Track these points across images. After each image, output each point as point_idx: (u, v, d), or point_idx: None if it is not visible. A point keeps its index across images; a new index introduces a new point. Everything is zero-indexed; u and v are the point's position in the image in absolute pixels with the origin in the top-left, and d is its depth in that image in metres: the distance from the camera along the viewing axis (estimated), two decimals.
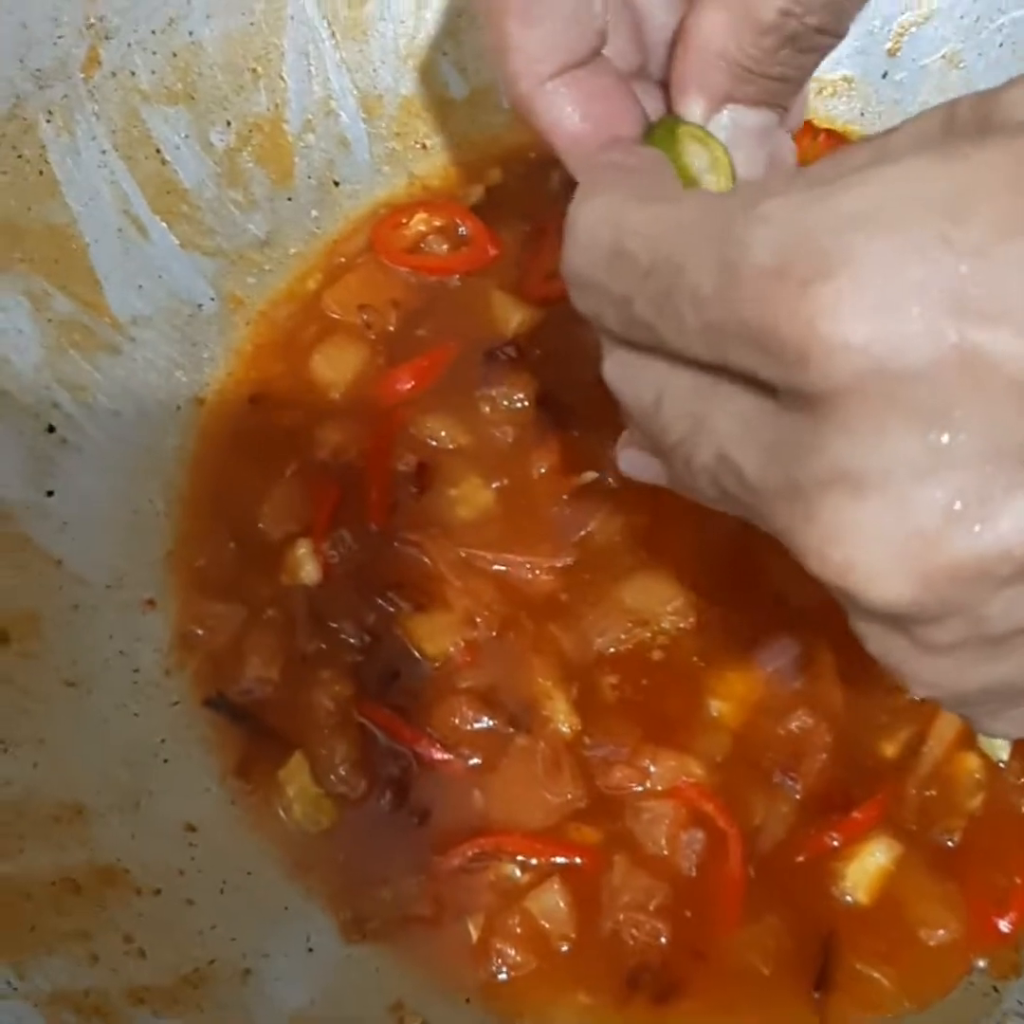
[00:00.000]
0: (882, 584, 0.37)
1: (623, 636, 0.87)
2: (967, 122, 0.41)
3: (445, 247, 1.01)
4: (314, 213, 1.02)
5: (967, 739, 0.84)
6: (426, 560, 0.90)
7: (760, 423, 0.40)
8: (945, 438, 0.34)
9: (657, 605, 0.88)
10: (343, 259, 1.01)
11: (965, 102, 0.42)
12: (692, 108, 0.60)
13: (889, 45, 1.03)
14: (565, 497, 0.92)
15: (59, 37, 0.91)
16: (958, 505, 0.35)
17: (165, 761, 0.84)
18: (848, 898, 0.81)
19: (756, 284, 0.36)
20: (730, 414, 0.41)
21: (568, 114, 0.60)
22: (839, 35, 0.55)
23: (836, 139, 1.04)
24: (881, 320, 0.33)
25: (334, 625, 0.88)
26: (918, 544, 0.36)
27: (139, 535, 0.91)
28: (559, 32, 0.57)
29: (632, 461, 0.56)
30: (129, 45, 0.94)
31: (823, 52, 0.56)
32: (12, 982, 0.69)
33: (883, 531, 0.36)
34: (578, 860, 0.82)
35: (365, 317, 0.98)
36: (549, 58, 0.58)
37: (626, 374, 0.48)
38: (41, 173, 0.91)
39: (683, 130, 0.60)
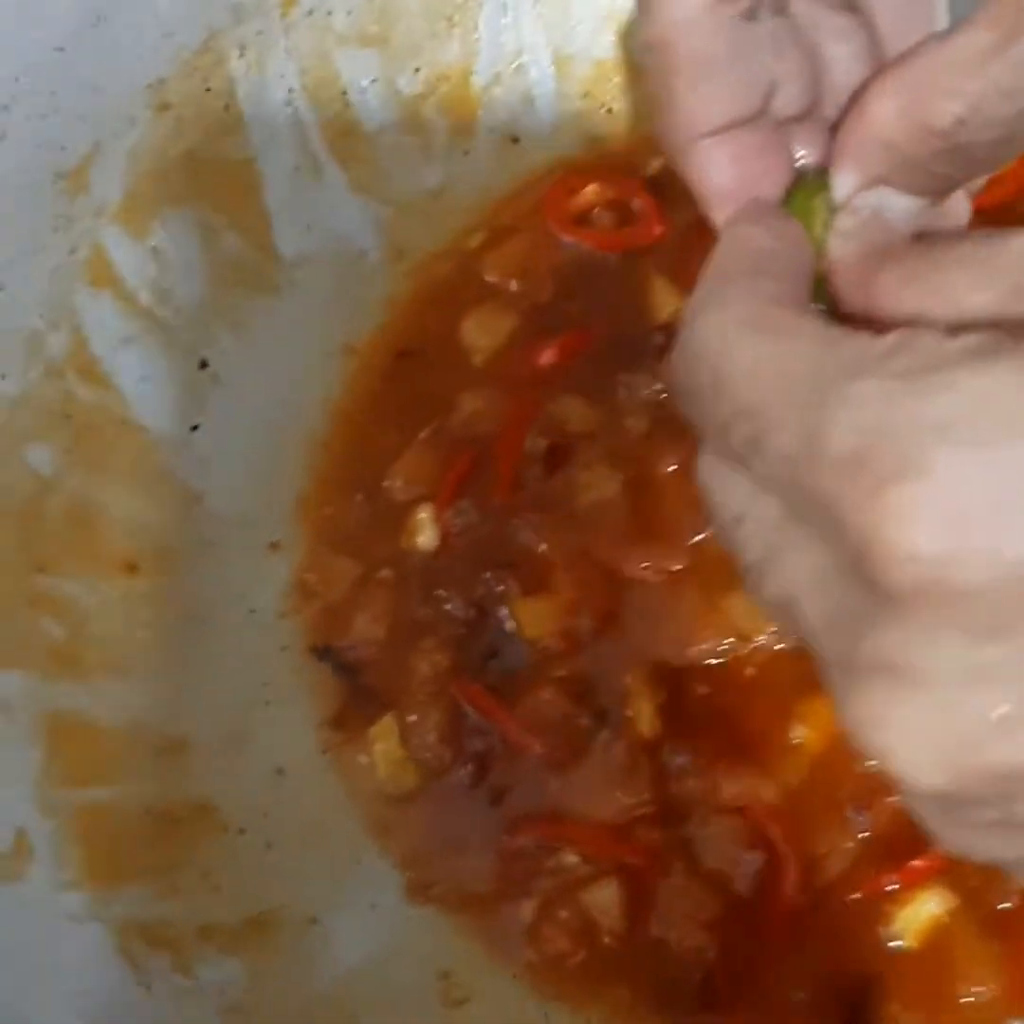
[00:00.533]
0: (919, 773, 0.38)
1: (720, 648, 0.89)
2: None
3: (612, 220, 1.01)
4: (490, 168, 1.03)
5: None
6: (542, 543, 0.92)
7: (828, 580, 0.40)
8: (996, 651, 0.35)
9: (759, 622, 0.88)
10: (510, 220, 1.02)
11: None
12: (844, 180, 0.59)
13: None
14: (689, 499, 0.92)
15: None
16: (999, 713, 0.36)
17: (267, 703, 0.89)
18: (895, 942, 0.83)
19: (834, 467, 0.37)
20: (802, 559, 0.42)
21: (716, 172, 0.59)
22: (1014, 153, 0.54)
23: None
24: (947, 535, 0.34)
25: (443, 594, 0.91)
26: (957, 744, 0.37)
27: (274, 478, 0.94)
28: (725, 96, 0.56)
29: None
30: None
31: (995, 164, 0.55)
32: (91, 907, 0.76)
33: (925, 727, 0.37)
34: (638, 862, 0.85)
35: (521, 285, 0.99)
36: (709, 119, 0.58)
37: (715, 481, 0.48)
38: (227, 107, 0.93)
39: (821, 200, 0.60)
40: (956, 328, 0.39)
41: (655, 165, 1.03)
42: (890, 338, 0.39)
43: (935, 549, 0.34)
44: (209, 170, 0.92)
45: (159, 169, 0.90)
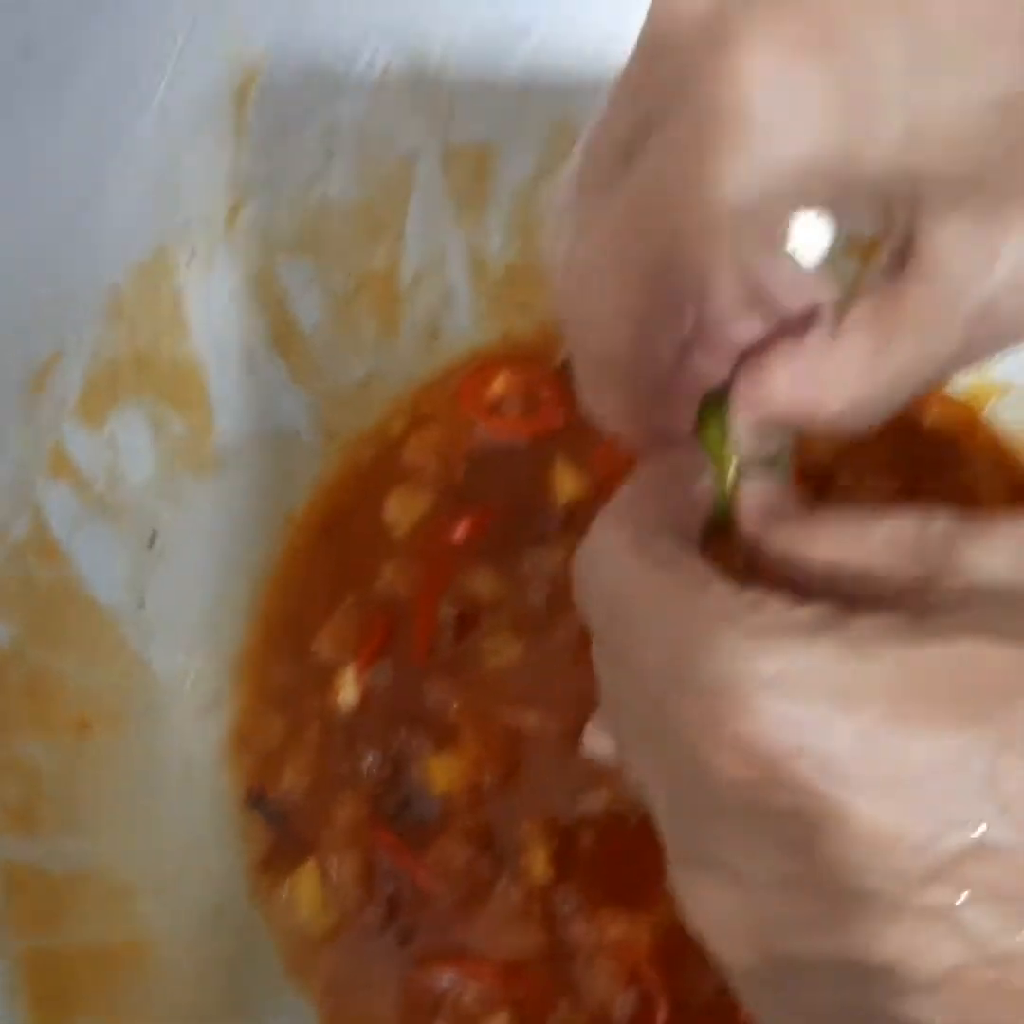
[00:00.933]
0: (731, 951, 0.46)
1: (607, 800, 1.00)
2: (933, 566, 0.47)
3: (520, 409, 1.13)
4: (411, 360, 1.14)
5: None
6: (451, 703, 1.03)
7: (672, 778, 0.47)
8: (803, 866, 0.42)
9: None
10: (429, 407, 1.13)
11: (935, 530, 0.48)
12: (740, 423, 0.65)
13: None
14: (584, 662, 1.03)
15: (207, 191, 1.04)
16: (799, 917, 0.43)
17: (201, 848, 0.99)
18: None
19: (685, 695, 0.43)
20: (651, 758, 0.49)
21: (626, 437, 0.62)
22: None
23: None
24: (764, 766, 0.41)
25: (362, 749, 1.02)
26: (763, 933, 0.44)
27: (214, 643, 1.05)
28: (633, 400, 0.59)
29: (595, 741, 0.66)
30: (269, 200, 1.07)
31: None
32: None
33: (741, 915, 0.44)
34: (529, 997, 0.95)
35: (437, 466, 1.10)
36: (625, 412, 0.60)
37: (600, 667, 0.56)
38: (175, 309, 1.05)
39: (725, 420, 0.61)
40: (814, 591, 0.47)
41: (561, 357, 1.15)
42: (748, 595, 0.46)
43: (753, 775, 0.41)
44: (158, 366, 1.03)
45: (113, 367, 1.01)
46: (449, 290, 1.15)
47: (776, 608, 0.45)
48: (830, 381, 0.53)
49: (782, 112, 0.42)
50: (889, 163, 0.43)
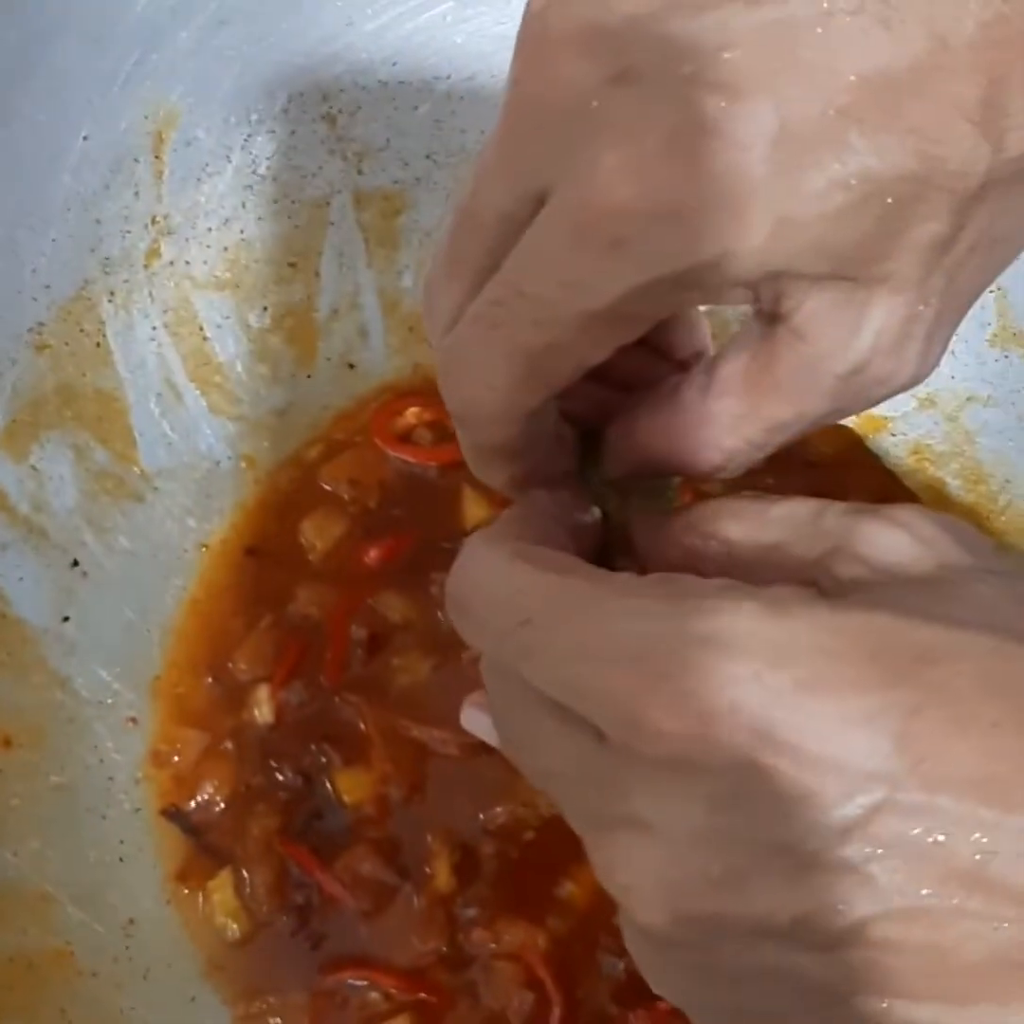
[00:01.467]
0: (646, 911, 0.45)
1: (506, 815, 1.05)
2: (826, 550, 0.48)
3: (430, 439, 1.18)
4: (328, 390, 1.19)
5: None
6: (361, 721, 1.08)
7: (580, 757, 0.47)
8: (724, 820, 0.43)
9: (540, 794, 1.05)
10: (344, 436, 1.19)
11: (831, 515, 0.50)
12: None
13: None
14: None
15: (127, 232, 1.09)
16: (716, 872, 0.43)
17: (121, 860, 1.04)
18: None
19: (607, 665, 0.45)
20: (558, 740, 0.49)
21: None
22: None
23: None
24: (691, 721, 0.42)
25: (275, 765, 1.07)
26: (679, 890, 0.44)
27: (134, 660, 1.10)
28: (517, 473, 0.63)
29: (473, 719, 0.65)
30: (187, 240, 1.12)
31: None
32: None
33: (658, 872, 0.44)
34: (431, 1000, 1.01)
35: (352, 492, 1.16)
36: (511, 484, 0.65)
37: (490, 681, 0.57)
38: (98, 345, 1.09)
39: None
40: (713, 575, 0.48)
41: None
42: (652, 576, 0.48)
43: (685, 729, 0.43)
44: (81, 398, 1.08)
45: (37, 399, 1.06)
46: (364, 324, 1.20)
47: (687, 580, 0.48)
48: (700, 439, 0.55)
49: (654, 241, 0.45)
50: (757, 260, 0.45)
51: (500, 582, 0.53)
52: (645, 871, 0.45)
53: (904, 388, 0.52)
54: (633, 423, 0.61)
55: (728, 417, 0.54)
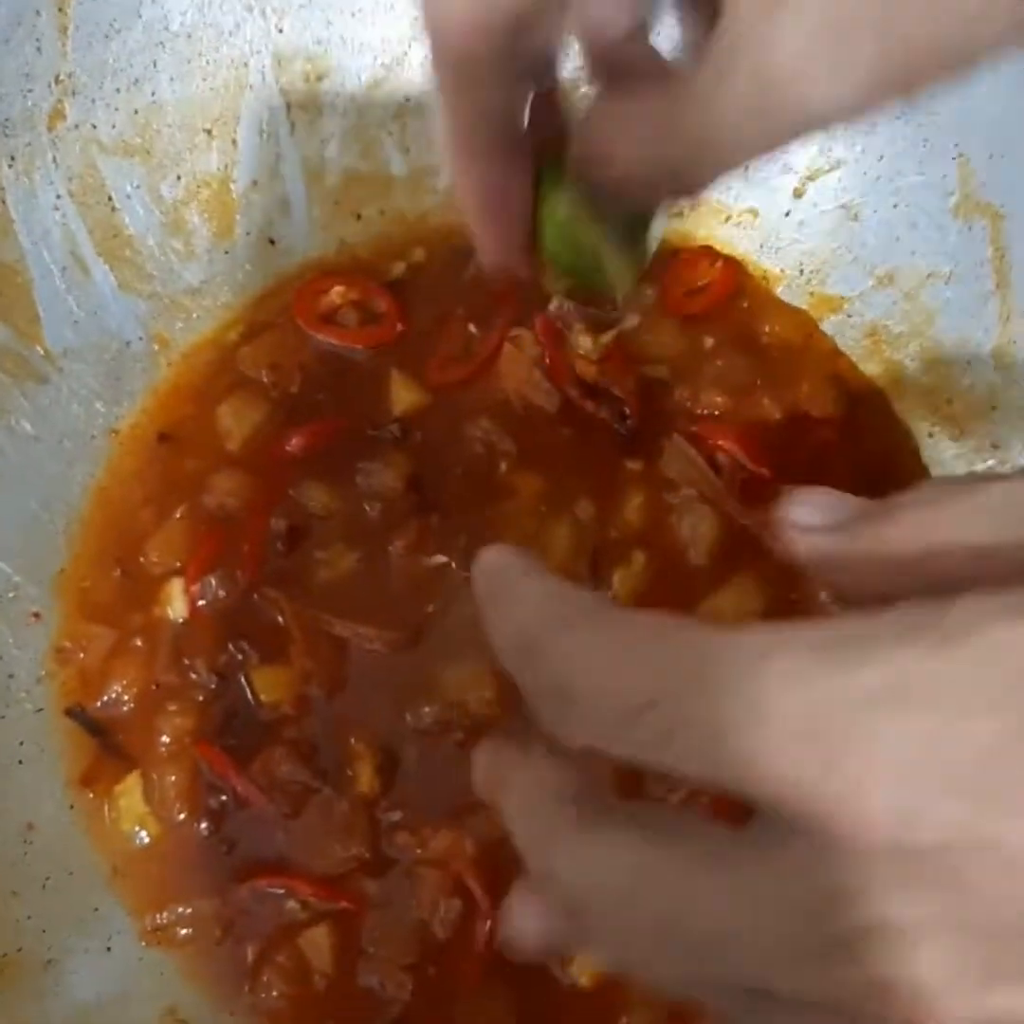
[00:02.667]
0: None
1: (433, 715, 0.99)
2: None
3: (356, 320, 1.11)
4: (247, 268, 1.11)
5: None
6: (280, 617, 1.02)
7: (791, 868, 0.38)
8: (960, 912, 0.36)
9: (469, 693, 0.99)
10: (264, 316, 1.11)
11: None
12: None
13: (796, 186, 1.10)
14: (414, 576, 1.03)
15: (28, 91, 1.00)
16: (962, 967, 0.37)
17: (20, 762, 0.97)
18: (573, 981, 0.94)
19: (784, 744, 0.37)
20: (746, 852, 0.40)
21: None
22: None
23: (734, 266, 1.12)
24: (896, 799, 0.36)
25: (188, 662, 1.01)
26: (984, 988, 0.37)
27: (37, 551, 1.03)
28: (494, 171, 0.62)
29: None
30: (94, 101, 1.04)
31: None
32: None
33: (947, 975, 0.37)
34: (351, 908, 0.95)
35: (272, 376, 1.08)
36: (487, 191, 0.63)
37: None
38: None
39: (560, 191, 0.63)
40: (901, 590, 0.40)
41: (398, 269, 1.13)
42: (799, 629, 0.39)
43: (884, 811, 0.35)
44: None
45: None
46: (285, 197, 1.13)
47: (849, 622, 0.39)
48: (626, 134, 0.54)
49: None
50: None
51: (598, 659, 0.42)
52: (934, 974, 0.37)
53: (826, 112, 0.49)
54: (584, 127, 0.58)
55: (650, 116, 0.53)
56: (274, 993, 0.93)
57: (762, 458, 1.05)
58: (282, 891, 0.95)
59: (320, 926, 0.94)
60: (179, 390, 1.10)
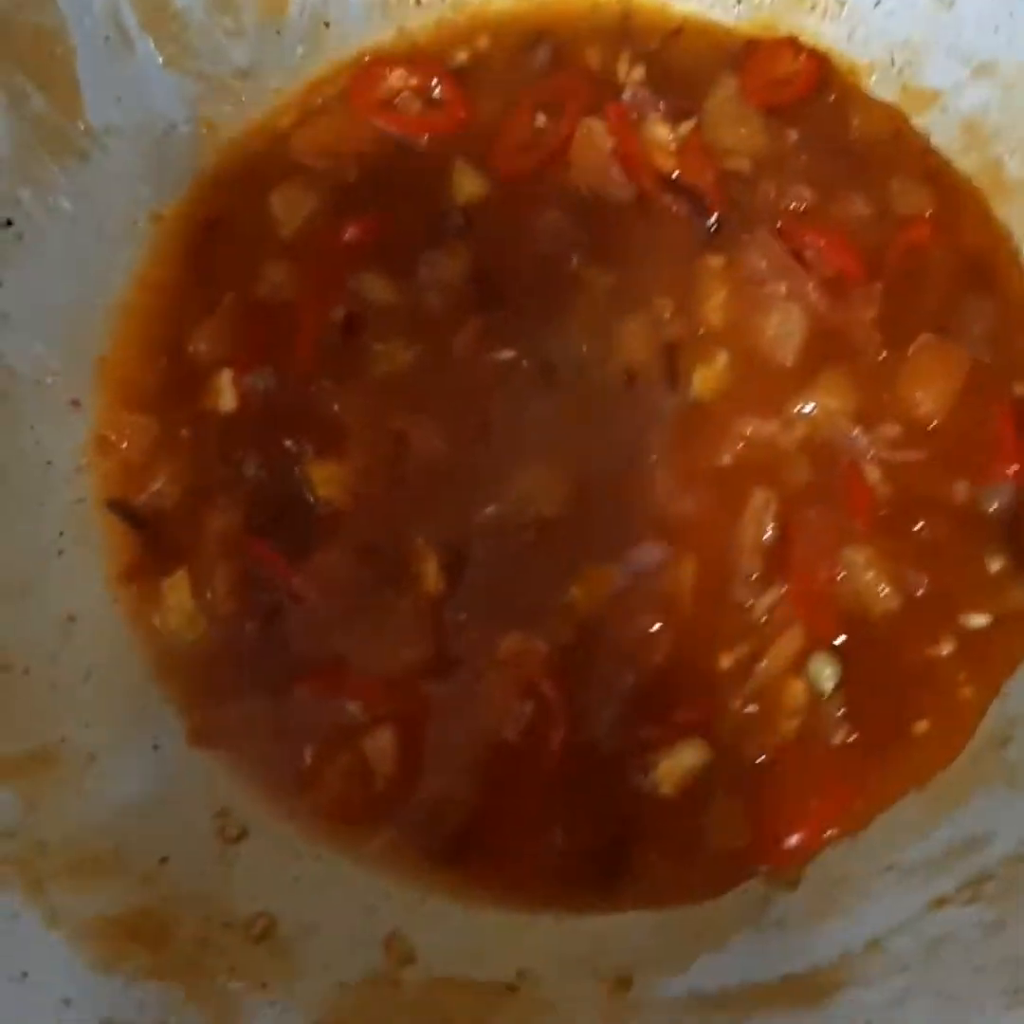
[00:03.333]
0: None
1: (503, 514, 0.92)
2: None
3: (418, 107, 1.03)
4: (299, 51, 1.04)
5: (799, 665, 0.89)
6: (336, 408, 0.95)
7: None
8: None
9: (542, 490, 0.92)
10: (319, 101, 1.04)
11: None
12: None
13: None
14: (479, 370, 0.96)
15: None
16: None
17: (60, 553, 0.91)
18: (655, 789, 0.87)
19: None
20: None
21: None
22: None
23: (818, 59, 1.05)
24: None
25: (239, 455, 0.94)
26: None
27: (77, 337, 0.96)
28: None
29: None
30: None
31: None
32: None
33: None
34: (414, 712, 0.88)
35: (327, 164, 1.01)
36: None
37: None
38: None
39: None
40: None
41: (460, 57, 1.06)
42: None
43: None
44: (18, 34, 0.93)
45: None
46: None
47: None
48: None
49: None
50: None
51: None
52: None
53: None
54: None
55: None
56: (333, 795, 0.86)
57: (852, 255, 0.98)
58: (340, 693, 0.88)
59: (383, 729, 0.87)
60: (228, 177, 1.03)
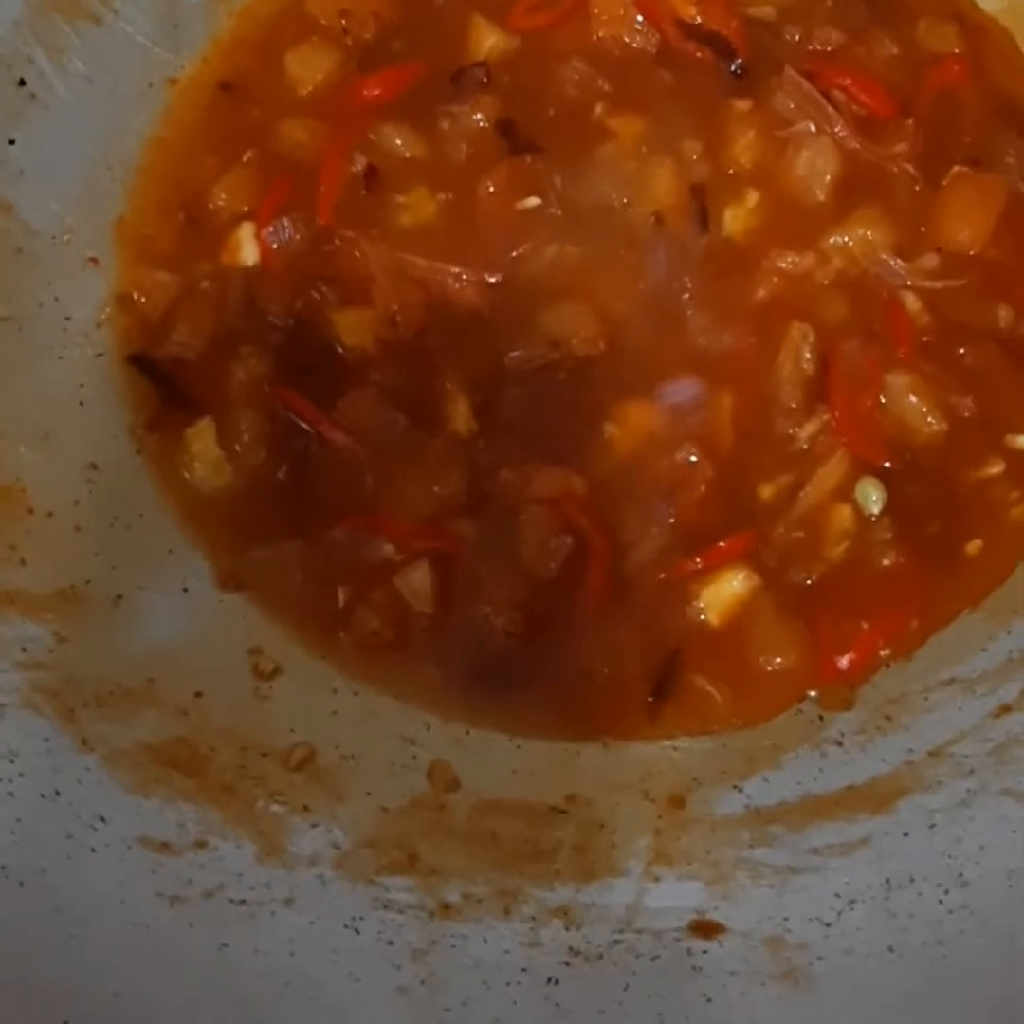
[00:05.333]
0: None
1: (534, 355, 0.90)
2: None
3: None
4: None
5: (844, 491, 0.86)
6: (359, 256, 0.92)
7: None
8: None
9: (572, 330, 0.90)
10: None
11: None
12: None
13: None
14: (506, 219, 0.94)
15: None
16: None
17: (81, 404, 0.89)
18: (700, 617, 0.85)
19: None
20: None
21: None
22: None
23: None
24: None
25: (263, 306, 0.92)
26: None
27: (93, 197, 0.94)
28: None
29: None
30: None
31: None
32: None
33: None
34: (451, 549, 0.86)
35: (344, 23, 1.00)
36: None
37: None
38: None
39: None
40: None
41: None
42: None
43: None
44: None
45: None
46: None
47: None
48: None
49: None
50: None
51: None
52: None
53: None
54: None
55: None
56: (370, 632, 0.84)
57: (882, 93, 0.96)
58: (373, 534, 0.86)
59: (418, 566, 0.85)
60: (242, 41, 1.01)
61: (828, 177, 0.94)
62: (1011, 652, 0.80)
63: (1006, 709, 0.77)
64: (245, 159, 0.96)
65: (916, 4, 1.01)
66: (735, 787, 0.79)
